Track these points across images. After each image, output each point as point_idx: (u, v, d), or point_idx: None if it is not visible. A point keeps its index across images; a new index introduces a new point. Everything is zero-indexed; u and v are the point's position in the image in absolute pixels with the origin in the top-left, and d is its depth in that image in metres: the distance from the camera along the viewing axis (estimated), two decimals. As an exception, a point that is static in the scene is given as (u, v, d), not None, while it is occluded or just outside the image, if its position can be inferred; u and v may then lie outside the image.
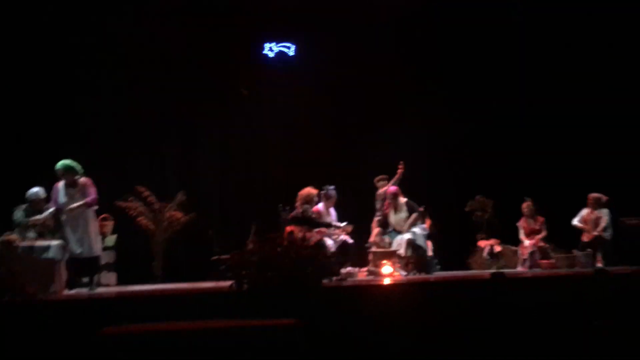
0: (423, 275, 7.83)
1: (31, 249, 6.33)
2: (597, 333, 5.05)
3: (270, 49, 10.29)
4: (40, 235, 6.73)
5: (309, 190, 7.71)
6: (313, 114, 10.20)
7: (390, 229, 8.40)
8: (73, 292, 6.59)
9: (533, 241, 8.89)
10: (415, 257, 7.99)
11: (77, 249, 6.67)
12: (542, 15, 10.04)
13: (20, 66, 8.73)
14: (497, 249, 8.82)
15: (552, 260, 8.70)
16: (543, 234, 8.94)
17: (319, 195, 7.93)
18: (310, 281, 4.91)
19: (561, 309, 5.38)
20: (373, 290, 5.77)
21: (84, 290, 6.71)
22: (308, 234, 7.17)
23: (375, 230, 8.37)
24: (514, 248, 9.31)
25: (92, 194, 6.78)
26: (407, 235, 8.09)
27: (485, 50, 10.39)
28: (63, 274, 6.46)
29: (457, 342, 4.94)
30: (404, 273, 7.84)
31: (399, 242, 8.09)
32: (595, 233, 8.66)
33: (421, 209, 8.75)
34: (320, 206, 7.92)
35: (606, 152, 9.49)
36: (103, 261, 7.96)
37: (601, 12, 9.61)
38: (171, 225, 9.17)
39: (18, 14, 8.67)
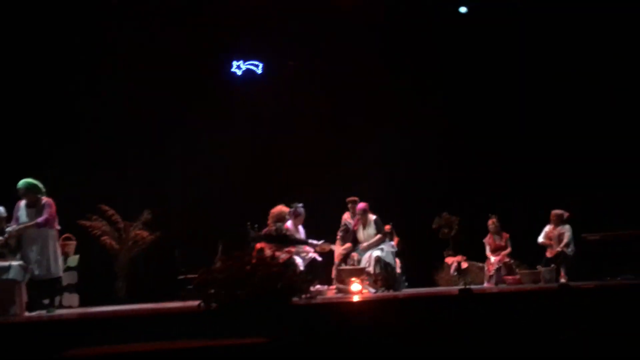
0: (392, 293, 7.85)
1: (-10, 270, 6.11)
2: (564, 347, 5.12)
3: (239, 67, 10.29)
4: (1, 256, 6.51)
5: (281, 209, 7.70)
6: (279, 133, 10.20)
7: (358, 246, 8.42)
8: (34, 314, 6.38)
9: (499, 257, 9.03)
10: (383, 274, 8.00)
11: (35, 270, 6.51)
12: (528, 35, 10.30)
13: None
14: (464, 265, 8.92)
15: (517, 276, 8.84)
16: (508, 250, 9.10)
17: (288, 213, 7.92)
18: (280, 299, 4.87)
19: (528, 324, 5.45)
20: (343, 308, 5.74)
21: (44, 312, 6.51)
22: (277, 252, 7.12)
23: (339, 249, 8.34)
24: (480, 264, 9.43)
25: (46, 214, 6.63)
26: (375, 252, 8.11)
27: (454, 71, 10.59)
28: (24, 296, 6.25)
29: (428, 358, 4.94)
30: (372, 290, 7.84)
31: (367, 259, 8.10)
32: (559, 249, 8.84)
33: (388, 227, 8.80)
34: (289, 224, 7.90)
35: (568, 170, 9.73)
36: (65, 282, 7.75)
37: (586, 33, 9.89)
38: (136, 245, 9.01)
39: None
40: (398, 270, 8.41)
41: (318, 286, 7.47)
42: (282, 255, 7.19)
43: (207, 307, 4.83)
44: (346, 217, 8.66)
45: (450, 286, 9.14)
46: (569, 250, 8.85)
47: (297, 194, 8.71)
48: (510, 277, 8.81)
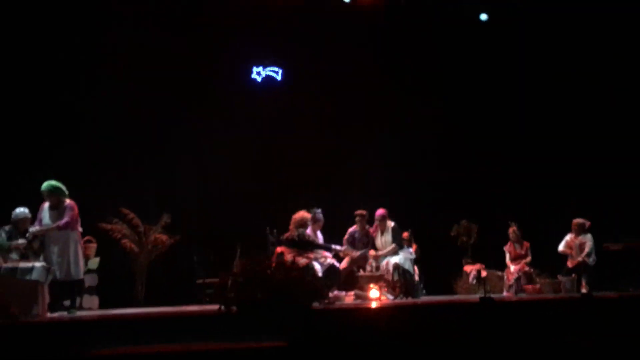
0: (410, 300, 7.81)
1: (14, 270, 6.19)
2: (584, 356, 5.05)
3: (258, 73, 10.34)
4: (24, 257, 6.60)
5: (303, 214, 7.74)
6: (296, 138, 10.23)
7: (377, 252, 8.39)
8: (55, 315, 6.45)
9: (518, 266, 8.94)
10: (401, 281, 7.97)
11: (56, 272, 6.58)
12: (539, 35, 10.24)
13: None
14: (484, 273, 8.84)
15: (537, 286, 8.75)
16: (528, 258, 9.00)
17: None
18: (300, 303, 4.88)
19: (550, 334, 5.39)
20: (362, 314, 5.73)
21: (65, 314, 6.58)
22: (297, 257, 7.14)
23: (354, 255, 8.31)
24: (499, 273, 9.34)
25: (67, 217, 6.71)
26: (394, 259, 8.08)
27: (471, 75, 10.55)
28: (46, 297, 6.32)
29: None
30: (391, 297, 7.81)
31: (386, 266, 8.07)
32: (580, 258, 8.73)
33: (406, 233, 8.77)
34: (308, 229, 7.91)
35: (589, 178, 9.62)
36: (85, 284, 7.83)
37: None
38: (155, 248, 9.06)
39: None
40: (416, 277, 8.38)
41: (336, 292, 7.47)
42: (302, 261, 7.19)
43: (227, 310, 4.85)
44: (352, 229, 8.60)
45: (469, 294, 9.06)
46: (591, 260, 8.73)
47: (315, 199, 8.72)
48: (530, 287, 8.72)
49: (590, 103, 10.02)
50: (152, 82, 9.45)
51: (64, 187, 6.88)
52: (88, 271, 7.99)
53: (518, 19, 10.29)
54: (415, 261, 8.42)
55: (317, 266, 7.48)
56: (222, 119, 9.99)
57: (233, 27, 9.84)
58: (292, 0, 9.71)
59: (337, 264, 7.87)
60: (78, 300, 7.34)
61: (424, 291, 8.54)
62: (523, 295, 8.53)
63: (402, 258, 8.12)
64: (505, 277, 9.10)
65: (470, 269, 9.40)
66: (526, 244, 9.09)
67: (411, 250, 8.50)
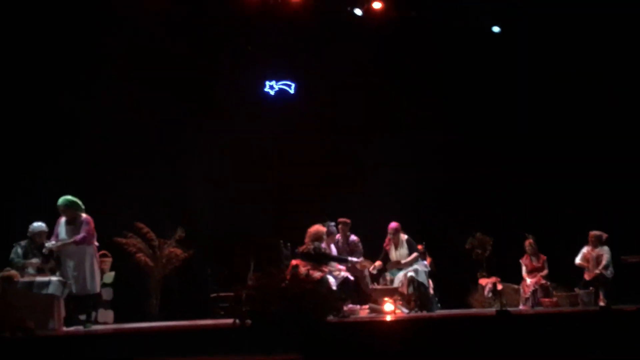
0: (425, 313, 7.75)
1: (31, 284, 6.24)
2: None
3: (271, 87, 10.41)
4: (40, 271, 6.65)
5: (318, 228, 7.77)
6: (310, 151, 10.25)
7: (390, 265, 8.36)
8: (71, 329, 6.47)
9: (535, 279, 8.84)
10: (416, 295, 7.92)
11: (72, 287, 6.62)
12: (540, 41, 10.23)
13: (16, 101, 8.74)
14: (499, 287, 8.76)
15: (554, 299, 8.65)
16: (545, 272, 8.91)
17: None
18: (315, 317, 4.86)
19: (568, 348, 5.32)
20: (376, 327, 5.70)
21: (81, 328, 6.61)
22: (311, 271, 7.14)
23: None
24: (515, 286, 9.25)
25: (83, 232, 6.75)
26: (409, 273, 8.04)
27: (483, 84, 10.54)
28: (62, 311, 6.35)
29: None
30: (405, 310, 7.76)
31: (401, 279, 8.04)
32: (597, 271, 8.62)
33: (420, 246, 8.73)
34: (323, 243, 7.90)
35: (607, 190, 9.53)
36: (102, 298, 7.85)
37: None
38: (170, 262, 9.08)
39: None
40: (431, 291, 8.32)
41: (350, 305, 7.44)
42: (316, 274, 7.18)
43: (242, 323, 4.84)
44: (337, 237, 8.58)
45: (485, 308, 8.97)
46: (608, 273, 8.62)
47: (329, 212, 8.72)
48: (547, 300, 8.62)
49: (609, 115, 9.93)
50: (166, 97, 9.52)
51: (80, 202, 6.93)
52: (103, 285, 8.01)
53: (522, 25, 10.28)
54: (429, 274, 8.37)
55: (331, 279, 7.46)
56: (235, 133, 10.04)
57: (247, 41, 9.93)
58: (305, 15, 9.77)
59: (351, 277, 7.84)
60: (93, 314, 7.37)
61: (439, 305, 8.48)
62: (540, 309, 8.44)
63: (417, 271, 8.08)
64: (521, 290, 9.01)
65: (486, 282, 9.32)
66: (543, 257, 9.01)
67: (426, 263, 8.45)
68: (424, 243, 8.90)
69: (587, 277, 8.72)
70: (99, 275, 7.17)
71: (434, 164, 10.53)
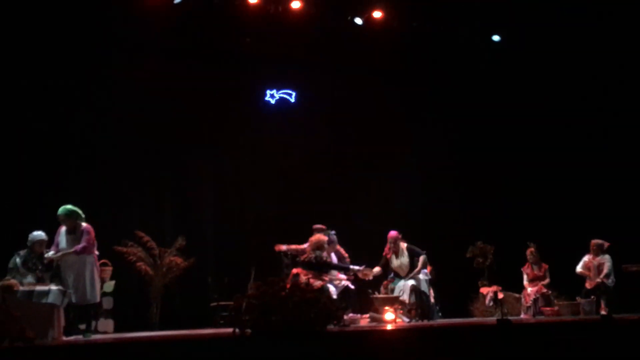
0: (426, 322, 7.73)
1: (30, 293, 6.23)
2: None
3: (272, 96, 10.43)
4: (40, 280, 6.64)
5: (320, 237, 7.78)
6: (309, 161, 10.26)
7: (391, 274, 8.35)
8: (71, 338, 6.46)
9: (536, 288, 8.82)
10: (418, 304, 7.90)
11: (72, 296, 6.61)
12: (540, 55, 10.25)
13: (17, 109, 8.76)
14: (500, 295, 8.73)
15: (556, 308, 8.62)
16: (546, 280, 8.89)
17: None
18: (315, 326, 4.84)
19: (568, 357, 5.30)
20: (377, 337, 5.68)
21: (81, 337, 6.59)
22: (312, 280, 7.14)
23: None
24: (516, 295, 9.23)
25: (84, 242, 6.76)
26: (410, 281, 8.03)
27: (486, 96, 10.55)
28: (62, 320, 6.34)
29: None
30: (406, 319, 7.74)
31: (402, 288, 8.02)
32: (598, 280, 8.60)
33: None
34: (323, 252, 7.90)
35: (609, 198, 9.52)
36: (102, 307, 7.84)
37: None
38: (170, 271, 9.06)
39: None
40: (432, 299, 8.30)
41: (351, 314, 7.42)
42: (316, 283, 7.17)
43: (242, 332, 4.83)
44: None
45: (486, 317, 8.95)
46: (610, 282, 8.60)
47: (329, 221, 8.72)
48: (548, 309, 8.59)
49: (611, 123, 9.94)
50: (166, 106, 9.55)
51: (80, 211, 6.94)
52: (104, 294, 8.00)
53: (522, 35, 10.31)
54: (430, 283, 8.35)
55: (331, 288, 7.46)
56: (236, 141, 10.07)
57: (248, 51, 9.96)
58: (306, 24, 9.81)
59: (351, 286, 7.83)
60: (93, 323, 7.36)
61: (440, 314, 8.45)
62: (541, 318, 8.41)
63: (419, 280, 8.07)
64: (522, 299, 8.98)
65: (487, 290, 9.29)
66: (545, 266, 8.99)
67: (426, 271, 8.44)
68: (424, 251, 8.88)
69: (588, 285, 8.70)
70: (99, 284, 7.16)
71: (435, 172, 10.55)
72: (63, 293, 6.37)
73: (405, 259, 8.26)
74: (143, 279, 8.97)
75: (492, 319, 7.15)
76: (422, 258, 8.17)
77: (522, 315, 8.81)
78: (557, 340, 5.67)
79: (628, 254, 8.87)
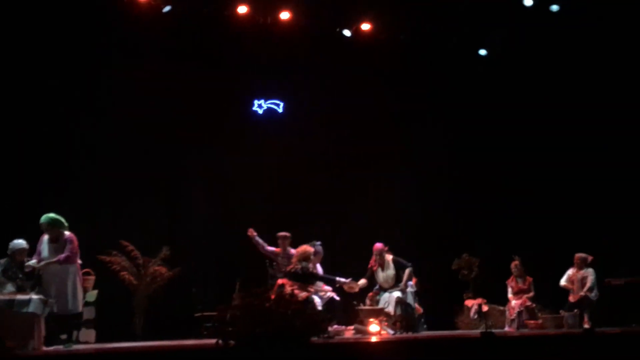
0: (411, 334, 7.72)
1: (11, 302, 6.13)
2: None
3: (260, 106, 10.43)
4: (21, 289, 6.55)
5: (306, 248, 7.76)
6: (298, 173, 10.26)
7: (376, 286, 8.35)
8: (51, 349, 6.36)
9: (520, 301, 8.86)
10: (403, 316, 7.90)
11: (54, 306, 6.52)
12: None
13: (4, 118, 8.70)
14: (485, 308, 8.76)
15: (540, 321, 8.66)
16: (531, 294, 8.93)
17: None
18: (299, 338, 4.82)
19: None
20: (362, 348, 5.66)
21: (61, 347, 6.50)
22: (297, 291, 7.11)
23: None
24: (501, 308, 9.26)
25: (67, 251, 6.68)
26: (396, 293, 8.03)
27: (474, 108, 10.62)
28: (42, 330, 6.25)
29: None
30: (391, 332, 7.73)
31: (387, 300, 8.02)
32: (582, 293, 8.65)
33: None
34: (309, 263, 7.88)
35: (592, 213, 9.60)
36: (83, 317, 7.73)
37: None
38: (154, 281, 8.99)
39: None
40: (419, 311, 8.30)
41: (336, 326, 7.39)
42: (302, 294, 7.15)
43: (225, 344, 4.79)
44: (274, 250, 8.52)
45: (471, 329, 8.96)
46: (593, 295, 8.66)
47: (315, 232, 8.71)
48: (532, 322, 8.62)
49: (594, 136, 10.05)
50: (152, 115, 9.51)
51: (63, 220, 6.87)
52: (86, 304, 7.89)
53: (509, 50, 10.42)
54: (416, 295, 8.36)
55: (316, 299, 7.44)
56: (223, 151, 10.05)
57: (235, 60, 9.97)
58: (294, 35, 9.85)
59: (337, 298, 7.82)
60: (75, 333, 7.26)
61: (425, 326, 8.45)
62: (525, 331, 8.44)
63: (405, 292, 8.08)
64: (507, 311, 9.01)
65: (472, 303, 9.32)
66: (529, 279, 9.03)
67: (412, 283, 8.44)
68: (410, 264, 8.90)
69: (572, 299, 8.76)
70: (82, 294, 7.08)
71: (421, 186, 10.59)
72: (44, 302, 6.28)
73: (390, 272, 8.26)
74: (126, 288, 8.89)
75: (477, 332, 7.16)
76: (407, 270, 8.18)
77: (506, 328, 8.84)
78: (540, 353, 5.69)
79: (611, 268, 8.96)
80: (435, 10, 9.84)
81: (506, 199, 10.38)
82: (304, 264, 7.59)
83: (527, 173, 10.38)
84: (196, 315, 8.44)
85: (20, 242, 6.84)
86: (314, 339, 5.05)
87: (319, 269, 8.11)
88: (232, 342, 4.81)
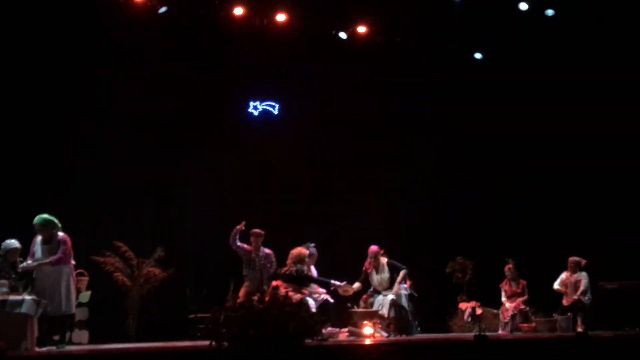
0: (405, 337, 7.72)
1: (3, 303, 6.10)
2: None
3: (255, 107, 10.42)
4: (13, 289, 6.52)
5: (301, 250, 7.76)
6: (291, 175, 10.26)
7: (370, 289, 8.35)
8: (44, 349, 6.34)
9: (514, 304, 8.88)
10: (397, 318, 7.90)
11: (47, 307, 6.49)
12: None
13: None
14: (479, 311, 8.77)
15: (533, 324, 8.68)
16: (524, 297, 8.95)
17: None
18: (292, 340, 4.82)
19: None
20: (355, 351, 5.66)
21: (54, 348, 6.47)
22: (291, 293, 7.11)
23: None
24: (494, 311, 9.27)
25: (60, 253, 6.66)
26: (390, 296, 8.04)
27: (468, 111, 10.64)
28: (35, 331, 6.22)
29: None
30: (385, 334, 7.73)
31: (381, 303, 8.02)
32: (575, 297, 8.68)
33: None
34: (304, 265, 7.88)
35: (586, 216, 9.63)
36: (76, 318, 7.71)
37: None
38: (148, 282, 8.96)
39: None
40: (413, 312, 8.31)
41: (330, 328, 7.39)
42: (296, 296, 7.14)
43: (219, 345, 4.78)
44: (247, 247, 8.45)
45: (464, 332, 8.97)
46: (586, 299, 8.69)
47: (310, 234, 8.70)
48: (525, 325, 8.64)
49: (588, 139, 10.08)
50: (147, 117, 9.49)
51: (56, 220, 6.84)
52: (79, 305, 7.88)
53: (504, 53, 10.45)
54: (410, 298, 8.36)
55: (310, 301, 7.43)
56: (218, 153, 10.03)
57: (231, 62, 9.96)
58: (290, 37, 9.85)
59: (331, 300, 7.82)
60: (68, 334, 7.23)
61: (419, 329, 8.46)
62: (518, 334, 8.46)
63: (399, 295, 8.08)
64: (500, 315, 9.03)
65: (466, 306, 9.32)
66: (522, 282, 9.05)
67: (406, 286, 8.45)
68: (405, 267, 8.91)
69: (565, 302, 8.78)
70: (75, 295, 7.05)
71: (416, 187, 10.60)
72: (37, 303, 6.25)
73: (385, 275, 8.27)
74: (120, 289, 8.86)
75: (470, 335, 7.18)
76: (402, 272, 8.18)
77: (500, 331, 8.85)
78: (533, 357, 5.71)
79: (605, 272, 8.98)
80: (431, 13, 9.86)
81: (501, 202, 10.40)
82: (298, 266, 7.59)
83: (522, 176, 10.41)
84: (190, 316, 8.42)
85: (13, 242, 6.82)
86: (308, 341, 5.04)
87: (313, 271, 8.12)
88: (225, 343, 4.80)
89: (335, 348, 5.79)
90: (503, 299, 9.08)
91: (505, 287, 9.11)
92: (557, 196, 10.05)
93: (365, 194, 10.62)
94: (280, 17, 9.78)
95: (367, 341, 6.91)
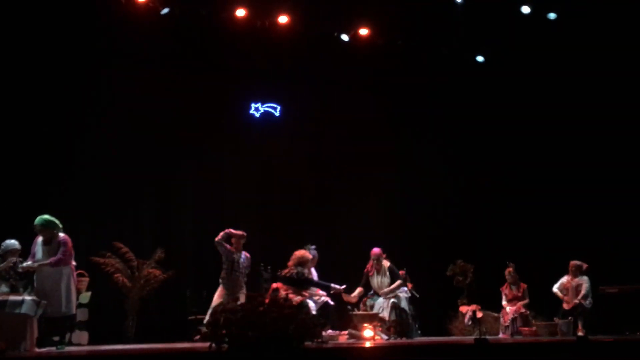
0: (405, 340, 7.71)
1: (3, 303, 6.09)
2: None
3: (257, 109, 10.43)
4: (14, 290, 6.51)
5: (303, 253, 7.75)
6: (293, 175, 10.25)
7: (371, 291, 8.34)
8: (43, 350, 6.33)
9: (515, 308, 8.86)
10: (397, 321, 7.89)
11: (47, 308, 6.48)
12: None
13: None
14: (479, 314, 8.75)
15: (534, 328, 8.66)
16: (525, 301, 8.93)
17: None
18: (292, 342, 4.80)
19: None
20: (356, 354, 5.65)
21: (54, 349, 6.47)
22: (291, 295, 7.09)
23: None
24: (495, 314, 9.26)
25: (60, 254, 6.64)
26: (391, 299, 8.02)
27: (470, 115, 10.63)
28: (35, 331, 6.21)
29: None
30: (385, 337, 7.71)
31: (382, 305, 8.01)
32: (576, 301, 8.66)
33: (402, 272, 8.71)
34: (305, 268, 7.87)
35: (588, 220, 9.61)
36: (77, 319, 7.71)
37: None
38: (148, 283, 8.96)
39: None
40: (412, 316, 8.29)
41: (330, 331, 7.38)
42: (296, 298, 7.13)
43: (218, 347, 4.77)
44: (229, 249, 8.37)
45: (465, 336, 8.95)
46: (587, 303, 8.66)
47: (310, 235, 8.69)
48: (526, 329, 8.62)
49: (590, 142, 10.06)
50: (148, 118, 9.50)
51: (57, 221, 6.83)
52: (79, 305, 7.88)
53: (506, 56, 10.43)
54: (410, 301, 8.35)
55: (311, 304, 7.42)
56: (219, 154, 10.04)
57: (233, 63, 9.97)
58: (292, 39, 9.85)
59: (331, 302, 7.80)
60: (68, 335, 7.22)
61: (419, 332, 8.44)
62: (519, 338, 8.44)
63: (399, 298, 8.07)
64: (501, 318, 9.01)
65: (466, 309, 9.31)
66: (523, 286, 9.03)
67: (406, 289, 8.44)
68: (405, 269, 8.89)
69: (566, 306, 8.76)
70: (75, 296, 7.04)
71: (416, 189, 10.60)
72: (37, 303, 6.25)
73: (386, 279, 8.25)
74: (120, 290, 8.85)
75: (471, 338, 7.16)
76: (397, 282, 8.14)
77: (500, 335, 8.83)
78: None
79: (606, 276, 8.96)
80: (433, 16, 9.86)
81: (502, 204, 10.39)
82: (299, 268, 7.58)
83: (523, 179, 10.40)
84: (190, 318, 8.42)
85: (13, 243, 6.82)
86: (308, 343, 5.02)
87: (314, 273, 8.10)
88: (225, 345, 4.79)
89: (335, 351, 5.78)
90: (504, 302, 9.06)
91: (505, 291, 9.09)
92: (558, 199, 10.03)
93: (365, 194, 10.61)
94: (283, 19, 9.79)
95: (367, 344, 6.90)
